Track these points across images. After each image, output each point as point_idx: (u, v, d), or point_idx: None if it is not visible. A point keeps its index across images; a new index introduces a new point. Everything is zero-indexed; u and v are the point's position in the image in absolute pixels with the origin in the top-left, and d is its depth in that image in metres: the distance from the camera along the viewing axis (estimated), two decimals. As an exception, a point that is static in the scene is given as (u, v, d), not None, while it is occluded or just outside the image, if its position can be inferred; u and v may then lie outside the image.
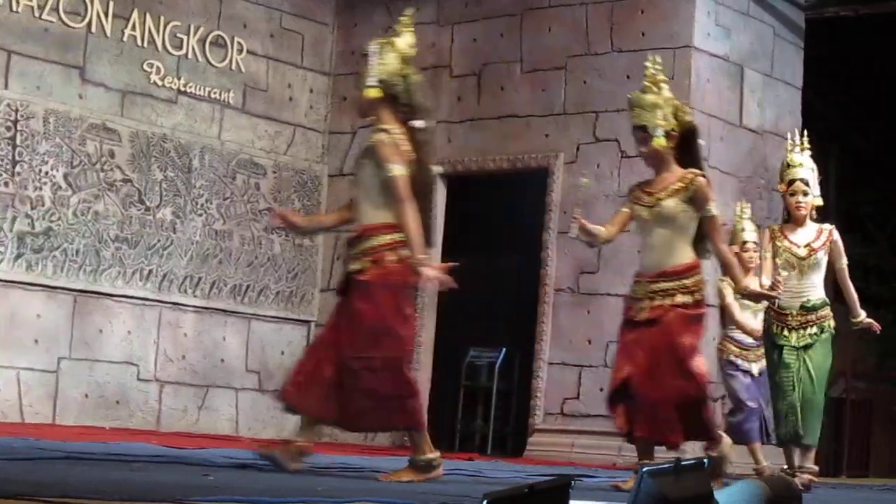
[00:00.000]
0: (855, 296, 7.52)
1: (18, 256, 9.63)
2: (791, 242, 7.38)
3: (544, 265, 10.55)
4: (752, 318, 8.62)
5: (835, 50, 12.74)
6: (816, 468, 7.49)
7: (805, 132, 7.68)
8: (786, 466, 7.55)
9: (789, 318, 7.37)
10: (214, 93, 10.94)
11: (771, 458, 8.90)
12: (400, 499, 4.33)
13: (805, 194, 7.43)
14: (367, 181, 5.87)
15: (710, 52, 10.43)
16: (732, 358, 8.91)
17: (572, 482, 3.25)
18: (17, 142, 9.67)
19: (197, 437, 9.51)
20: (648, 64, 6.64)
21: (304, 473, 5.73)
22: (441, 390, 11.01)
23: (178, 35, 10.71)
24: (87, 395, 10.01)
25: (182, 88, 10.72)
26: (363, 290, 5.75)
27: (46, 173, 9.79)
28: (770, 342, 7.50)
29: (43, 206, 9.77)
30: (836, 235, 7.47)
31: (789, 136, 7.72)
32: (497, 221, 10.98)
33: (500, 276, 10.95)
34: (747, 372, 8.84)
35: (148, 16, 10.50)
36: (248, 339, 11.07)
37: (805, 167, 7.48)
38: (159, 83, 10.57)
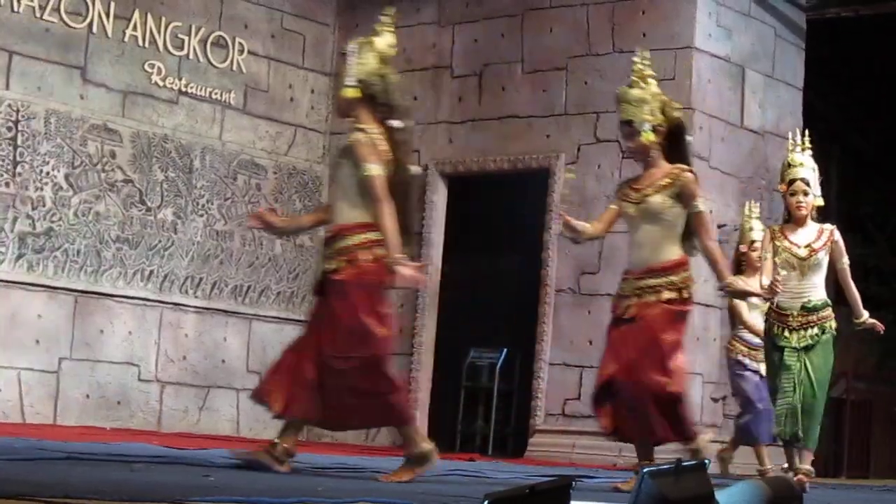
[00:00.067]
0: (857, 296, 7.45)
1: (19, 257, 9.63)
2: (791, 243, 7.33)
3: (545, 266, 10.55)
4: (760, 318, 8.56)
5: (836, 51, 12.74)
6: (812, 469, 7.47)
7: (806, 133, 7.66)
8: (786, 465, 7.55)
9: (790, 319, 7.31)
10: (215, 93, 10.94)
11: (776, 461, 8.88)
12: (400, 499, 4.33)
13: (805, 194, 7.38)
14: (344, 181, 5.88)
15: (711, 52, 10.43)
16: (741, 358, 8.88)
17: (573, 483, 3.26)
18: (19, 142, 9.67)
19: (198, 438, 9.50)
20: (636, 59, 6.63)
21: (304, 473, 5.73)
22: (442, 391, 11.01)
23: (180, 35, 10.71)
24: (88, 396, 10.01)
25: (183, 89, 10.72)
26: (338, 289, 5.75)
27: (47, 174, 9.80)
28: (771, 344, 7.42)
29: (44, 206, 9.78)
30: (838, 235, 7.41)
31: (790, 136, 7.71)
32: (498, 222, 10.97)
33: (501, 276, 10.95)
34: (756, 372, 8.79)
35: (149, 16, 10.50)
36: (249, 340, 11.06)
37: (806, 167, 7.44)
38: (160, 84, 10.57)
